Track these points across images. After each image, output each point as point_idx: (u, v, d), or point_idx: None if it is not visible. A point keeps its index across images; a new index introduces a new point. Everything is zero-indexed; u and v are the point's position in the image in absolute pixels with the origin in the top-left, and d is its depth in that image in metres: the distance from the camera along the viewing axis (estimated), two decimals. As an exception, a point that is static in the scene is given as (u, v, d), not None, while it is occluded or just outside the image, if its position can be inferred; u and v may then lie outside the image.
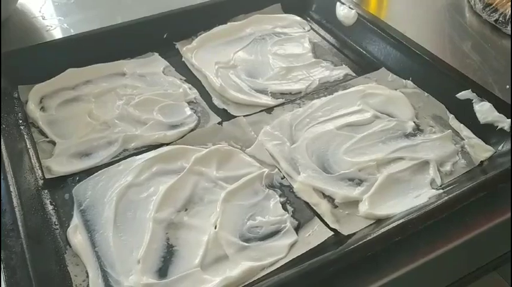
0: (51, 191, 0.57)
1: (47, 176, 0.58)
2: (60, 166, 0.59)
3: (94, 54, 0.76)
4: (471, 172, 0.58)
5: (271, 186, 0.57)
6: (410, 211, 0.51)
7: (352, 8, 0.81)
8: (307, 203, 0.55)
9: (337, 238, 0.51)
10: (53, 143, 0.63)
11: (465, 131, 0.62)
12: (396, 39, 0.74)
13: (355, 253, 0.46)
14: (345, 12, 0.81)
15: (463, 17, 0.89)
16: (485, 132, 0.61)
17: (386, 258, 0.49)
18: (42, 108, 0.67)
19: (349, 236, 0.50)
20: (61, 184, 0.58)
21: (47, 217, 0.54)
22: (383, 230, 0.48)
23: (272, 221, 0.53)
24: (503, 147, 0.59)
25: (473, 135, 0.62)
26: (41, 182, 0.57)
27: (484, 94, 0.63)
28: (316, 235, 0.51)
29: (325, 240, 0.50)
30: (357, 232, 0.51)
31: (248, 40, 0.81)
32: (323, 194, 0.56)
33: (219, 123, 0.65)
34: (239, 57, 0.77)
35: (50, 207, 0.55)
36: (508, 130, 0.59)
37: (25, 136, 0.63)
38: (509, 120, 0.59)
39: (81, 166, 0.59)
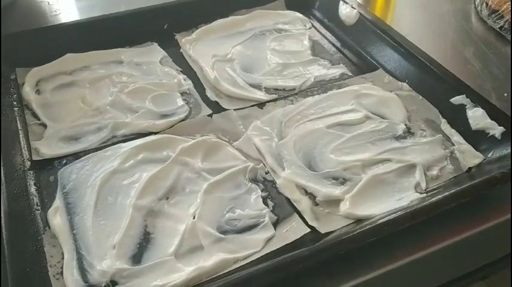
0: (37, 173, 0.57)
1: (35, 158, 0.59)
2: (48, 148, 0.60)
3: (95, 41, 0.76)
4: (458, 178, 0.57)
5: (254, 180, 0.57)
6: (389, 213, 0.50)
7: (354, 8, 0.80)
8: (288, 199, 0.55)
9: (314, 235, 0.50)
10: (45, 126, 0.63)
11: (456, 137, 0.61)
12: (396, 41, 0.73)
13: (327, 250, 0.46)
14: (347, 12, 0.81)
15: (468, 23, 0.88)
16: (476, 138, 0.60)
17: (362, 258, 0.48)
18: (38, 91, 0.68)
19: (326, 234, 0.50)
20: (48, 166, 0.58)
21: (29, 197, 0.54)
22: (359, 230, 0.48)
23: (251, 214, 0.53)
24: (493, 154, 0.58)
25: (464, 141, 0.61)
26: (28, 163, 0.58)
27: (478, 100, 0.62)
28: (293, 231, 0.51)
29: (302, 237, 0.50)
30: (334, 230, 0.50)
31: (248, 35, 0.81)
32: (305, 191, 0.55)
33: (209, 115, 0.65)
34: (237, 51, 0.77)
35: (34, 188, 0.55)
36: (499, 137, 0.58)
37: (17, 118, 0.64)
38: (501, 127, 0.58)
39: (69, 149, 0.60)
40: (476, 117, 0.61)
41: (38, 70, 0.71)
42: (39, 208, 0.53)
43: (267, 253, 0.49)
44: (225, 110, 0.66)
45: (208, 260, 0.48)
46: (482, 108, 0.61)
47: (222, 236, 0.51)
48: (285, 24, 0.84)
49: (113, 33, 0.78)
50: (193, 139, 0.61)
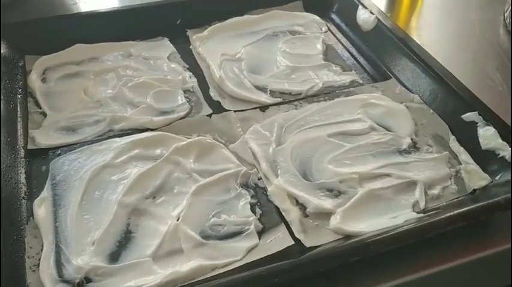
0: (29, 161, 0.57)
1: (30, 146, 0.59)
2: (44, 138, 0.60)
3: (107, 33, 0.76)
4: (460, 200, 0.54)
5: (245, 185, 0.55)
6: (379, 231, 0.48)
7: (373, 13, 0.77)
8: (277, 208, 0.53)
9: (299, 248, 0.48)
10: (45, 115, 0.63)
11: (464, 155, 0.58)
12: (412, 50, 0.70)
13: (306, 266, 0.44)
14: (365, 17, 0.78)
15: (495, 35, 0.83)
16: (485, 159, 0.57)
17: (345, 277, 0.46)
18: (43, 80, 0.69)
19: (311, 248, 0.48)
20: (42, 156, 0.58)
21: (18, 185, 0.54)
22: (343, 247, 0.45)
23: (237, 221, 0.51)
24: (501, 177, 0.55)
25: (472, 161, 0.57)
26: (22, 151, 0.58)
27: (491, 118, 0.58)
28: (277, 242, 0.49)
29: (285, 249, 0.48)
30: (319, 245, 0.48)
31: (261, 35, 0.79)
32: (296, 201, 0.53)
33: (209, 115, 0.64)
34: (247, 51, 0.75)
35: (24, 176, 0.55)
36: (509, 160, 0.55)
37: (19, 105, 0.64)
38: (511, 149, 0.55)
39: (65, 140, 0.60)
40: (487, 136, 0.57)
41: (47, 59, 0.71)
42: (26, 196, 0.53)
43: (246, 263, 0.47)
44: (226, 110, 0.64)
45: (186, 265, 0.46)
46: (495, 127, 0.57)
47: (204, 241, 0.49)
48: (300, 26, 0.81)
49: (126, 26, 0.77)
50: (189, 139, 0.59)
